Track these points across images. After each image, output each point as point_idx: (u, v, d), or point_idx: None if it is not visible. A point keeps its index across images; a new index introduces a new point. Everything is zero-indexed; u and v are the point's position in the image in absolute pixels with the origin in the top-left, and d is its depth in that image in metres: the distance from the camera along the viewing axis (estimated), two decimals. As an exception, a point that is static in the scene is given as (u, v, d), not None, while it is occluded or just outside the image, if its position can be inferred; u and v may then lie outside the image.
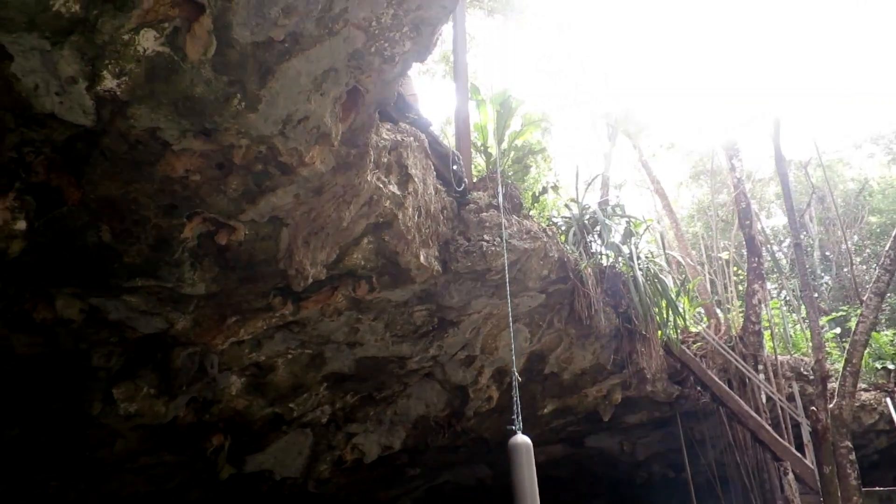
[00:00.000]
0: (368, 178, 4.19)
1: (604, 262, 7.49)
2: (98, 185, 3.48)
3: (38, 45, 2.67)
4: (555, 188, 7.50)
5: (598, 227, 6.99)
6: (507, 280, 5.01)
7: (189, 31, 2.82)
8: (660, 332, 7.26)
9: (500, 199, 5.26)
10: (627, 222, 7.38)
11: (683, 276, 7.51)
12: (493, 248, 5.33)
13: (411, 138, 4.67)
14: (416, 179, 4.70)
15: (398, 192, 4.54)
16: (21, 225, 3.47)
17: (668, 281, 7.91)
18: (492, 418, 7.92)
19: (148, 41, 2.83)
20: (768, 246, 10.70)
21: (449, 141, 6.39)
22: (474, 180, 5.94)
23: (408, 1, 3.09)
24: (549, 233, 5.96)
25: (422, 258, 5.06)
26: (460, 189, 5.59)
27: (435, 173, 5.28)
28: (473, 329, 6.46)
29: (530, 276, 5.70)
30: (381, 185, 4.39)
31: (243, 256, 4.18)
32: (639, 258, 7.13)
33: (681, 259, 9.10)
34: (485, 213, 5.52)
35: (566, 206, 7.48)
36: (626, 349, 7.33)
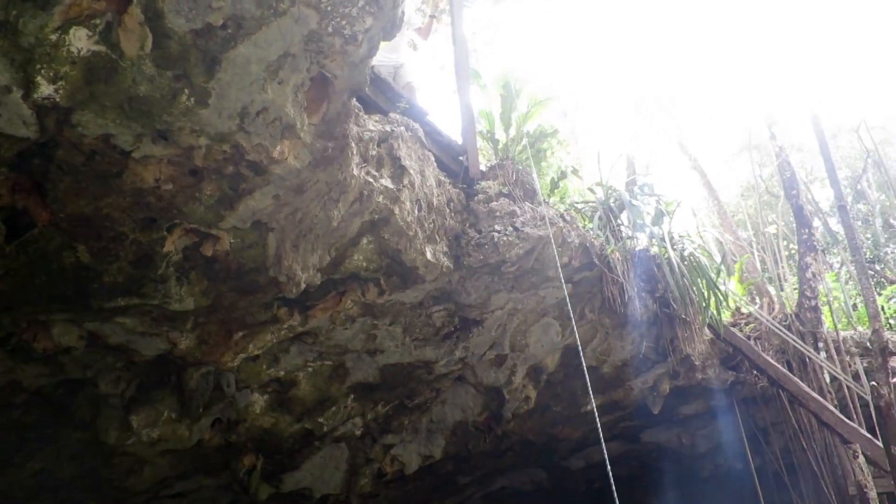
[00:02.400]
0: (355, 173, 3.96)
1: (636, 245, 7.08)
2: (66, 203, 3.34)
3: (-41, 55, 2.53)
4: (575, 172, 7.13)
5: (625, 210, 6.61)
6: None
7: (121, 25, 2.64)
8: (702, 316, 6.81)
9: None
10: (657, 202, 6.96)
11: (722, 254, 7.03)
12: (505, 239, 5.03)
13: (402, 128, 4.42)
14: (411, 171, 4.45)
15: (391, 186, 4.29)
16: (-9, 251, 3.36)
17: (710, 260, 7.43)
18: (533, 419, 7.59)
19: (80, 40, 2.66)
20: (820, 216, 10.07)
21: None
22: (483, 169, 5.66)
23: (355, -30, 2.85)
24: (568, 217, 5.62)
25: (428, 254, 4.80)
26: (468, 180, 5.31)
27: (436, 164, 5.02)
28: (499, 326, 6.15)
29: (549, 264, 5.37)
30: (372, 180, 4.15)
31: (232, 266, 4.00)
32: (672, 238, 6.71)
33: (718, 237, 8.58)
34: (495, 203, 5.23)
35: (589, 189, 7.12)
36: (667, 336, 6.90)
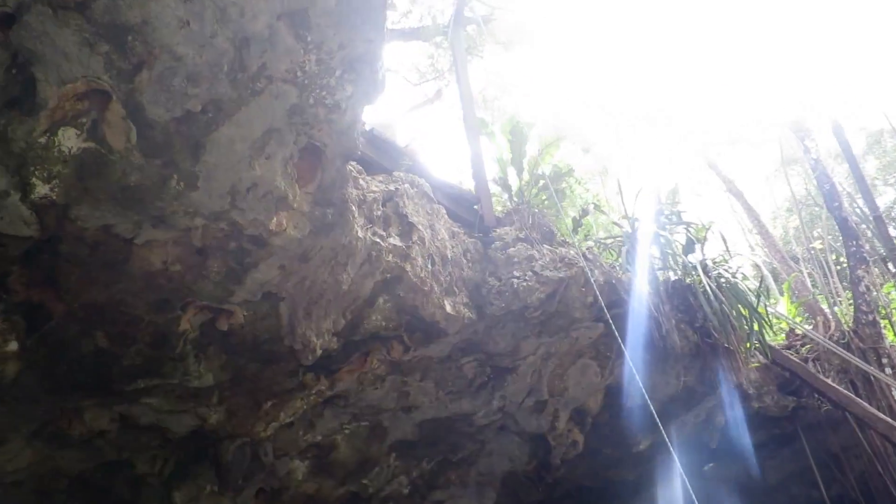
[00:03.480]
0: (360, 235, 3.99)
1: (671, 276, 6.92)
2: (79, 293, 3.45)
3: (-43, 167, 2.67)
4: (598, 208, 7.04)
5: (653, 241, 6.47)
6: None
7: (104, 122, 2.76)
8: (747, 343, 6.55)
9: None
10: (686, 229, 6.80)
11: (761, 277, 6.79)
12: (525, 284, 4.97)
13: (406, 185, 4.46)
14: (420, 227, 4.47)
15: (400, 244, 4.31)
16: (13, 346, 3.48)
17: (751, 283, 7.18)
18: (584, 463, 7.36)
19: (70, 139, 2.78)
20: (869, 225, 9.66)
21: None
22: (500, 216, 5.64)
23: (326, 43, 2.92)
24: (590, 256, 5.53)
25: (448, 307, 4.77)
26: (483, 228, 5.30)
27: (448, 216, 5.03)
28: (534, 372, 6.04)
29: (573, 305, 5.28)
30: (379, 240, 4.18)
31: (248, 339, 4.05)
32: (705, 266, 6.52)
33: (761, 258, 8.31)
34: (512, 249, 5.19)
35: (615, 223, 7.01)
36: (713, 366, 6.66)
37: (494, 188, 5.81)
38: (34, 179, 2.79)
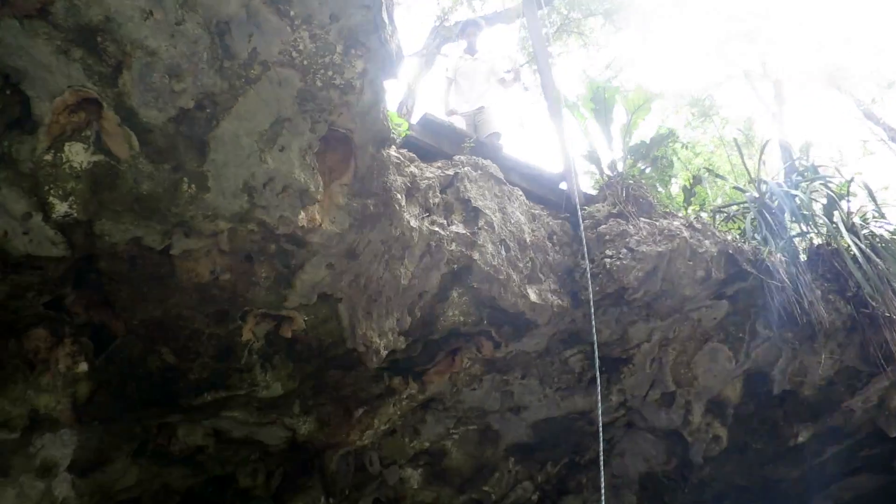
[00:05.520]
0: (414, 225, 3.73)
1: (812, 241, 6.02)
2: (134, 310, 3.48)
3: (-22, 193, 2.72)
4: (711, 172, 6.25)
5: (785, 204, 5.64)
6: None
7: (103, 131, 2.71)
8: (915, 308, 5.51)
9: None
10: (825, 185, 5.87)
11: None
12: (618, 263, 4.46)
13: (468, 168, 4.14)
14: (486, 212, 4.13)
15: (464, 231, 4.00)
16: (83, 367, 3.57)
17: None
18: (731, 461, 6.57)
19: (78, 154, 2.77)
20: None
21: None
22: (594, 193, 5.16)
23: (315, 16, 2.70)
24: (698, 225, 4.88)
25: (532, 296, 4.38)
26: (571, 208, 4.86)
27: (527, 198, 4.64)
28: (653, 362, 5.45)
29: (681, 282, 4.67)
30: (439, 229, 3.90)
31: (312, 344, 3.91)
32: (852, 225, 5.58)
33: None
34: (603, 226, 4.69)
35: (735, 188, 6.20)
36: (875, 341, 5.67)
37: (585, 165, 5.33)
38: (51, 198, 2.80)
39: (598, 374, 4.44)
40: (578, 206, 4.69)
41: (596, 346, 3.82)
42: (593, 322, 4.11)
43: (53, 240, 2.92)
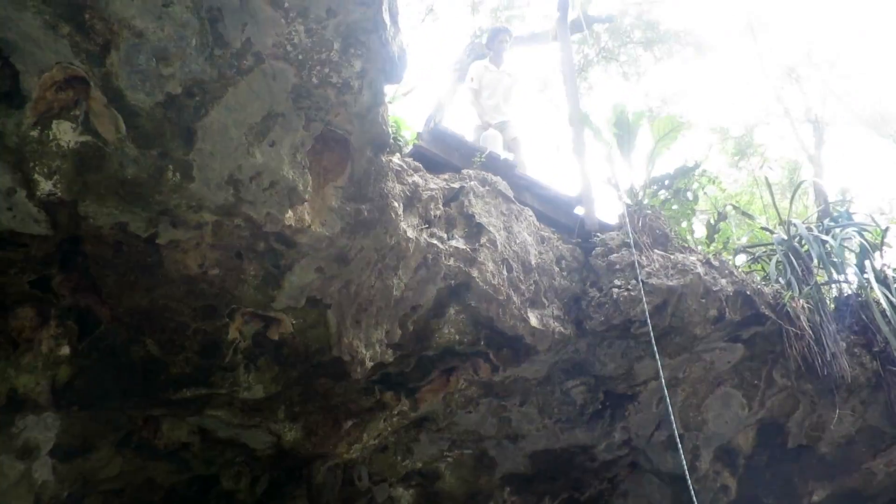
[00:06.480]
0: (410, 235, 3.63)
1: (842, 290, 5.74)
2: (120, 297, 3.44)
3: (-39, 164, 2.71)
4: (738, 209, 6.01)
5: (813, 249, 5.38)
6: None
7: (91, 111, 2.68)
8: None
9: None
10: (859, 233, 5.60)
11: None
12: (626, 294, 4.29)
13: (474, 183, 4.03)
14: (490, 229, 4.01)
15: (464, 247, 3.88)
16: (65, 351, 3.53)
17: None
18: (740, 513, 6.25)
19: (66, 133, 2.74)
20: None
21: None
22: (612, 222, 5.00)
23: (310, 9, 2.63)
24: (716, 263, 4.67)
25: (533, 320, 4.23)
26: (584, 233, 4.71)
27: (535, 219, 4.51)
28: (660, 401, 5.22)
29: (691, 320, 4.46)
30: (438, 242, 3.79)
31: (300, 349, 3.82)
32: (883, 277, 5.30)
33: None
34: (615, 255, 4.53)
35: (764, 229, 5.95)
36: (900, 401, 5.36)
37: (605, 191, 5.17)
38: (36, 175, 2.77)
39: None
40: (591, 232, 4.54)
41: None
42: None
43: (37, 217, 2.89)
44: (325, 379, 4.18)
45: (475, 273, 3.91)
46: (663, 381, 4.18)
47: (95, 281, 3.38)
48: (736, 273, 4.73)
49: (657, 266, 4.43)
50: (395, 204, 3.48)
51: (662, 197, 5.02)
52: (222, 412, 4.12)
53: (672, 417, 5.18)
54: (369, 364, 3.79)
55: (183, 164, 2.81)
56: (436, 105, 9.37)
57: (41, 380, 3.53)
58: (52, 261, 3.23)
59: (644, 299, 4.21)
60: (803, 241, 5.60)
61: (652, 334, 4.26)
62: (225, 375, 3.78)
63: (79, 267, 3.31)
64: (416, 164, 3.87)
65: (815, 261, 5.43)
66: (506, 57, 7.02)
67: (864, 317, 5.43)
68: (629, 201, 4.95)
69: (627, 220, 4.62)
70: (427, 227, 3.77)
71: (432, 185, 3.83)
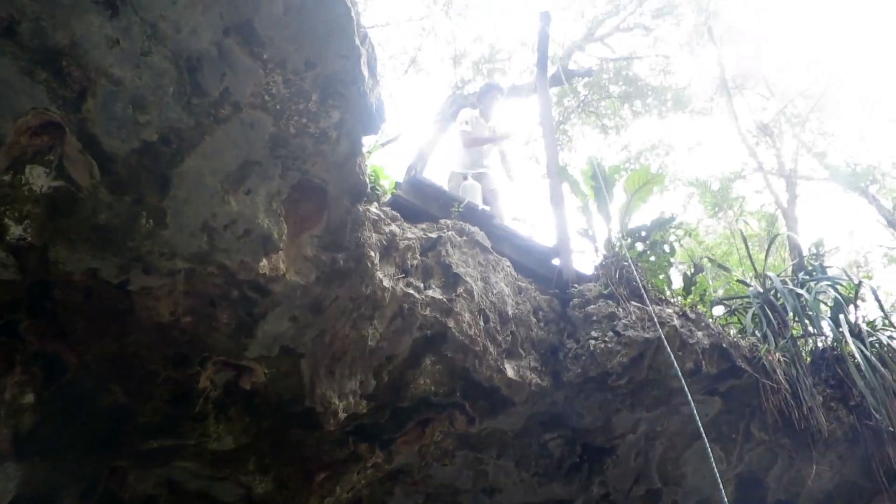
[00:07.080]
0: (386, 285, 3.61)
1: (817, 343, 5.78)
2: (89, 344, 3.37)
3: (-69, 207, 2.68)
4: (713, 262, 6.08)
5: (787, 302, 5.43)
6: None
7: (65, 157, 2.67)
8: (922, 426, 5.20)
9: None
10: (833, 287, 5.67)
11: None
12: (602, 346, 4.28)
13: (452, 233, 4.05)
14: (467, 279, 4.01)
15: (441, 297, 3.87)
16: (29, 398, 3.43)
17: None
18: (721, 572, 6.14)
19: (39, 178, 2.72)
20: None
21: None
22: (584, 273, 5.02)
23: (288, 60, 2.67)
24: (692, 315, 4.69)
25: (509, 372, 4.20)
26: (562, 284, 4.72)
27: (515, 270, 4.52)
28: (638, 455, 5.18)
29: (669, 373, 4.45)
30: (414, 292, 3.77)
31: (272, 399, 3.75)
32: (857, 331, 5.35)
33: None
34: (592, 306, 4.53)
35: (740, 282, 6.01)
36: (879, 455, 5.34)
37: (581, 243, 5.22)
38: (6, 220, 2.74)
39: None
40: (568, 283, 4.55)
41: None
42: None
43: (5, 262, 2.84)
44: (298, 430, 4.10)
45: (451, 323, 3.89)
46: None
47: (64, 327, 3.31)
48: (712, 325, 4.76)
49: (634, 318, 4.44)
50: (372, 253, 3.48)
51: (639, 249, 5.06)
52: (191, 463, 4.01)
53: (652, 472, 5.13)
54: (343, 415, 3.73)
55: (157, 210, 2.80)
56: (417, 154, 9.47)
57: (3, 428, 3.42)
58: (20, 306, 3.16)
59: (621, 350, 4.20)
60: (779, 295, 5.65)
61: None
62: (195, 426, 3.69)
63: (47, 312, 3.24)
64: (394, 213, 3.88)
65: (791, 314, 5.48)
66: (494, 113, 7.14)
67: (839, 370, 5.46)
68: (606, 252, 4.98)
69: (605, 271, 4.64)
70: (404, 277, 3.76)
71: (409, 235, 3.84)
